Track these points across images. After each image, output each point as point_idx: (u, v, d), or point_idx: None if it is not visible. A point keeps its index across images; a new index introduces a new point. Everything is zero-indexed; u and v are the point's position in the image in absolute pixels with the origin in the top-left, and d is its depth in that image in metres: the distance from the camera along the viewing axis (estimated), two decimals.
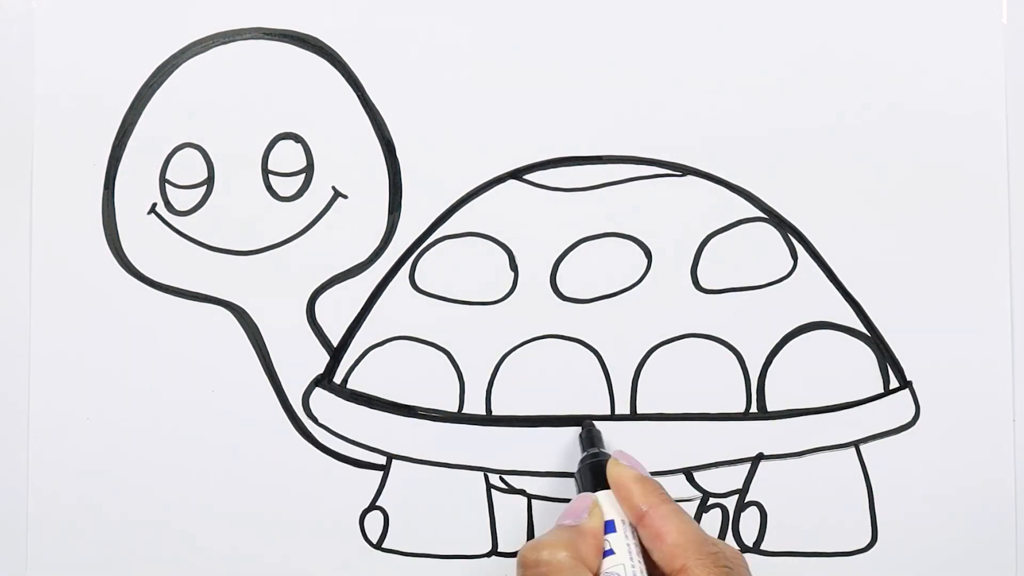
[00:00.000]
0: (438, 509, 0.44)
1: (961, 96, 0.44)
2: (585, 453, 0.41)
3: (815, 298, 0.44)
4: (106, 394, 0.44)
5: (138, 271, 0.44)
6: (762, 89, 0.44)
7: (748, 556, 0.44)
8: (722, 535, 0.44)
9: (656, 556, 0.37)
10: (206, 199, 0.44)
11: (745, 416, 0.44)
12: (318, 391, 0.44)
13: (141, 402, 0.44)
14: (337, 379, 0.44)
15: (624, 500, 0.38)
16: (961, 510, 0.44)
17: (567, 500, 0.44)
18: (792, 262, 0.44)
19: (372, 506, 0.44)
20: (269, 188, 0.44)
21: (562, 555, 0.36)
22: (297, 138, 0.44)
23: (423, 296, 0.44)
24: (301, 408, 0.44)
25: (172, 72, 0.44)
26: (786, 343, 0.44)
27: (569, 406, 0.44)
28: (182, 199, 0.44)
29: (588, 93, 0.44)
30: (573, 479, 0.42)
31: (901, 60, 0.44)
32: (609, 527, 0.38)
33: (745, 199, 0.44)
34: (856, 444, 0.44)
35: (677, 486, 0.44)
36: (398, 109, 0.44)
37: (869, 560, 0.44)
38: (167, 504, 0.44)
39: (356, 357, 0.44)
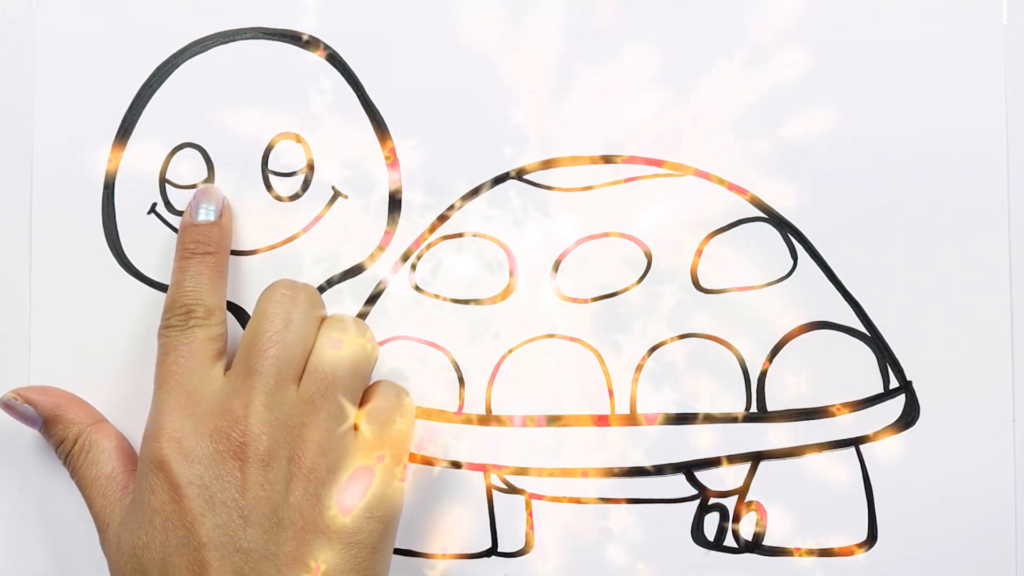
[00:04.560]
0: (438, 509, 0.44)
1: (961, 96, 0.44)
2: None
3: (815, 298, 0.44)
4: (106, 394, 0.44)
5: (138, 271, 0.44)
6: (762, 89, 0.44)
7: (748, 556, 0.44)
8: (722, 535, 0.44)
9: None
10: None
11: (745, 416, 0.44)
12: None
13: (141, 402, 0.44)
14: None
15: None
16: (961, 510, 0.44)
17: (567, 500, 0.44)
18: (792, 262, 0.44)
19: None
20: (269, 188, 0.44)
21: None
22: (297, 138, 0.44)
23: (423, 296, 0.44)
24: None
25: (172, 72, 0.44)
26: (786, 343, 0.44)
27: (569, 406, 0.44)
28: (182, 199, 0.44)
29: (589, 93, 0.44)
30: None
31: (900, 60, 0.44)
32: None
33: (745, 199, 0.44)
34: (856, 444, 0.44)
35: (677, 486, 0.44)
36: (398, 108, 0.44)
37: (869, 560, 0.44)
38: None
39: None
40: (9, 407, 0.42)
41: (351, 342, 0.40)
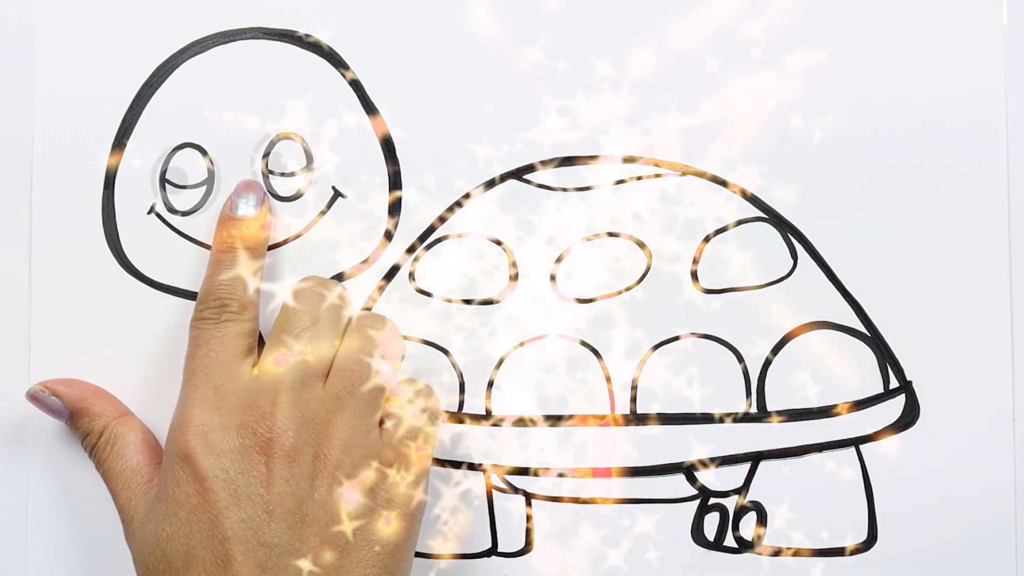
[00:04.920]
0: (438, 509, 0.44)
1: (961, 96, 0.44)
2: None
3: (815, 298, 0.44)
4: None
5: (138, 271, 0.44)
6: (762, 88, 0.44)
7: (748, 556, 0.44)
8: (722, 535, 0.44)
9: None
10: (206, 199, 0.44)
11: (745, 416, 0.44)
12: None
13: (141, 402, 0.44)
14: None
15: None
16: (961, 510, 0.44)
17: (567, 500, 0.44)
18: (792, 262, 0.44)
19: None
20: (269, 188, 0.44)
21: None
22: (297, 138, 0.44)
23: (423, 296, 0.44)
24: None
25: (172, 72, 0.44)
26: (786, 343, 0.44)
27: (569, 406, 0.44)
28: (182, 199, 0.44)
29: (588, 93, 0.44)
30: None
31: (900, 60, 0.44)
32: None
33: (745, 199, 0.44)
34: (856, 444, 0.44)
35: (677, 486, 0.44)
36: (398, 109, 0.44)
37: (869, 560, 0.44)
38: None
39: None
40: (36, 399, 0.42)
41: (378, 339, 0.40)
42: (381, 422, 0.40)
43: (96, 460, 0.42)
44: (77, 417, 0.42)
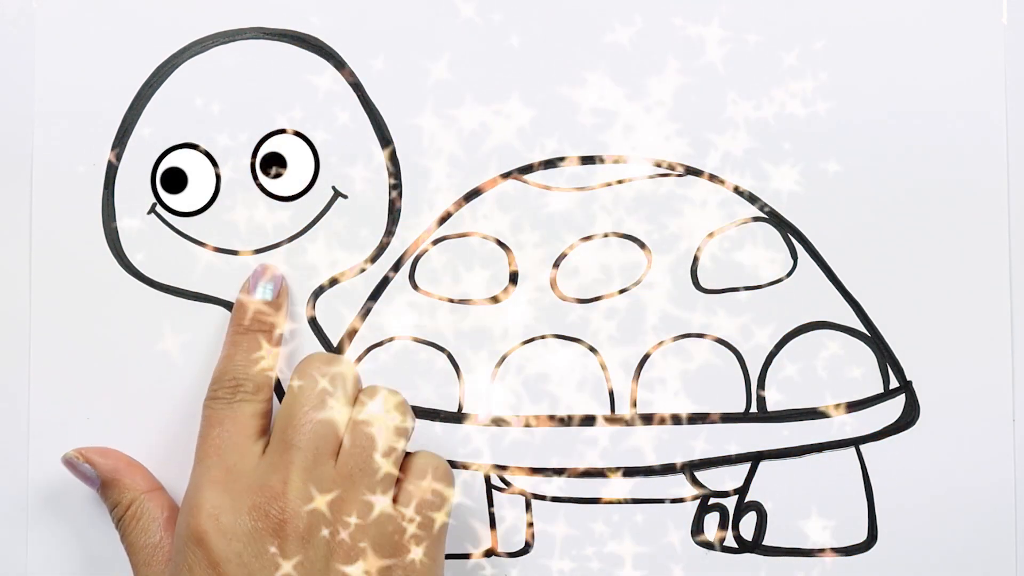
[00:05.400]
0: None
1: (961, 96, 0.44)
2: None
3: (815, 298, 0.44)
4: (106, 394, 0.44)
5: (138, 271, 0.44)
6: (761, 88, 0.44)
7: (748, 555, 0.44)
8: (722, 535, 0.44)
9: None
10: (206, 199, 0.44)
11: (745, 416, 0.44)
12: None
13: (141, 402, 0.44)
14: None
15: None
16: (961, 510, 0.44)
17: (567, 500, 0.44)
18: (792, 262, 0.44)
19: None
20: (268, 188, 0.44)
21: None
22: (297, 138, 0.44)
23: (423, 296, 0.44)
24: None
25: (172, 72, 0.44)
26: (786, 343, 0.44)
27: (569, 406, 0.44)
28: (182, 199, 0.44)
29: (588, 93, 0.44)
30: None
31: (901, 60, 0.44)
32: None
33: (745, 199, 0.44)
34: (856, 444, 0.44)
35: (678, 486, 0.44)
36: (398, 109, 0.44)
37: (868, 560, 0.44)
38: None
39: (356, 357, 0.44)
40: (71, 465, 0.43)
41: (387, 414, 0.40)
42: (395, 497, 0.40)
43: (121, 533, 0.42)
44: (107, 487, 0.42)
